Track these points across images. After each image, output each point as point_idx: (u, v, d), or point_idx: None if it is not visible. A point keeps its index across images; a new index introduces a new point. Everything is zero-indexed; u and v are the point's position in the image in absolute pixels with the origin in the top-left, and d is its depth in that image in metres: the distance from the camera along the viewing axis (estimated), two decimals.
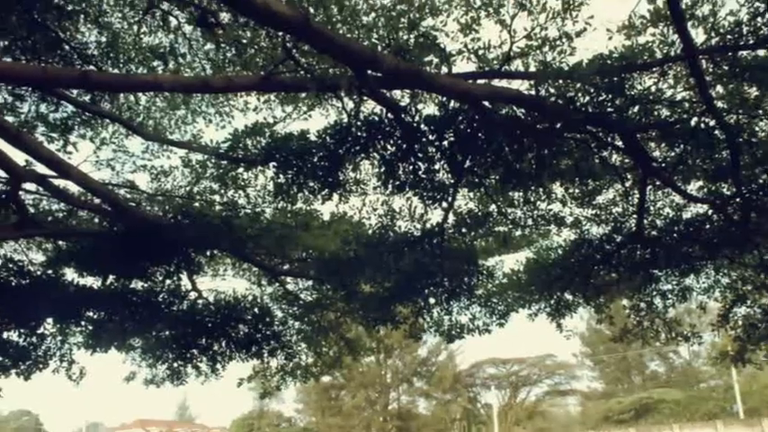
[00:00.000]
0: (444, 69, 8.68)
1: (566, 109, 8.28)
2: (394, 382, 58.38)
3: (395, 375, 58.30)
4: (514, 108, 8.90)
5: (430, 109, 9.74)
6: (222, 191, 12.10)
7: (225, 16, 11.61)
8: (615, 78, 8.13)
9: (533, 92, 8.53)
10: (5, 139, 8.84)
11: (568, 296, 14.05)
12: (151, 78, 8.21)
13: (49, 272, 12.90)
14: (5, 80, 8.32)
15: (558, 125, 8.80)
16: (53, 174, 10.49)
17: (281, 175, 9.55)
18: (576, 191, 11.72)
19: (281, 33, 10.24)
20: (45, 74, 7.14)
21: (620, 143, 9.64)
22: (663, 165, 10.13)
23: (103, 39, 11.78)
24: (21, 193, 11.41)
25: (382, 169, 9.61)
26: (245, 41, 11.60)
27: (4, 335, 13.32)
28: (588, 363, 61.07)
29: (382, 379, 57.62)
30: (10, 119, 11.22)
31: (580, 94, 8.32)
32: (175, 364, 15.15)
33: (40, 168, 10.76)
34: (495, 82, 9.09)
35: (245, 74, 11.58)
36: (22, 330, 13.31)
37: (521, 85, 9.02)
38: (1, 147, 9.80)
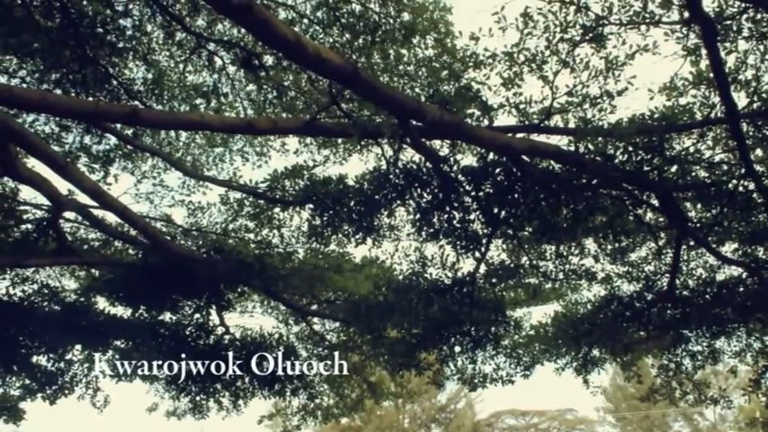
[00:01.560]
0: (485, 122, 8.78)
1: (604, 166, 8.33)
2: (411, 427, 57.49)
3: (413, 420, 57.49)
4: (553, 163, 8.98)
5: (468, 159, 9.86)
6: (257, 229, 12.28)
7: (268, 59, 11.92)
8: (654, 138, 8.18)
9: (572, 148, 8.59)
10: (53, 169, 9.05)
11: (595, 352, 13.93)
12: (198, 118, 8.40)
13: (82, 299, 13.08)
14: (60, 113, 8.56)
15: (596, 182, 8.85)
16: (94, 204, 10.69)
17: (316, 218, 9.66)
18: (609, 247, 11.69)
19: (323, 79, 10.50)
20: (97, 108, 7.34)
21: (655, 202, 9.65)
22: (698, 225, 10.10)
23: (150, 76, 12.11)
24: (60, 221, 11.65)
25: (417, 216, 9.67)
26: (286, 84, 11.86)
27: (33, 358, 13.48)
28: (610, 419, 59.76)
29: (400, 424, 56.84)
30: (56, 149, 11.52)
31: (619, 152, 8.37)
32: (198, 398, 15.22)
33: (81, 198, 11.01)
34: (534, 136, 9.16)
35: (286, 116, 11.81)
36: (50, 355, 13.46)
37: (559, 141, 9.08)
38: (46, 176, 10.05)
